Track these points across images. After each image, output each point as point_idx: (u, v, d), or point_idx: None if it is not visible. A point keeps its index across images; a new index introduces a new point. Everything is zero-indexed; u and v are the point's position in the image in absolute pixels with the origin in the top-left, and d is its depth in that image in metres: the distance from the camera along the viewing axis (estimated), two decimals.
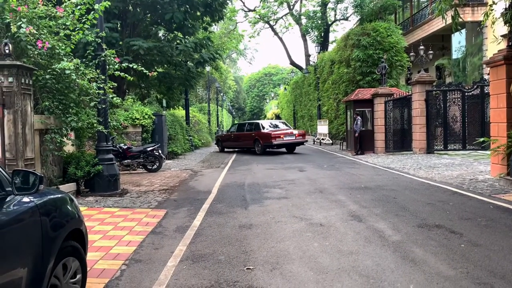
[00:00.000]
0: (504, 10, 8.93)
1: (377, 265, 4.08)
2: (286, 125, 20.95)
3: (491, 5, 9.44)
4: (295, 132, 19.24)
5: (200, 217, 6.43)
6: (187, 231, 5.61)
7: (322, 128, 24.92)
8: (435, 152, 14.93)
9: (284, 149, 19.28)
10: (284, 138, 18.15)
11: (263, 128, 19.03)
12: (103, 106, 8.62)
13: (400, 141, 16.53)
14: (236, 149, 21.33)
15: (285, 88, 53.45)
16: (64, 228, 3.03)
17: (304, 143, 19.75)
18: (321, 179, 10.13)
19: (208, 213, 6.68)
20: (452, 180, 9.19)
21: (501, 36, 11.43)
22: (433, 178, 9.59)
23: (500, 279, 3.67)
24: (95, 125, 8.24)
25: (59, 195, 3.30)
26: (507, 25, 8.90)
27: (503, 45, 10.39)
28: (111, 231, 5.68)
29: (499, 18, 9.26)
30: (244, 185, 9.64)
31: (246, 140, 19.74)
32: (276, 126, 19.79)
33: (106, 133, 8.70)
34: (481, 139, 10.40)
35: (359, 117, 16.98)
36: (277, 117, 50.40)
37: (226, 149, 22.07)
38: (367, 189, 8.48)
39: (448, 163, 12.21)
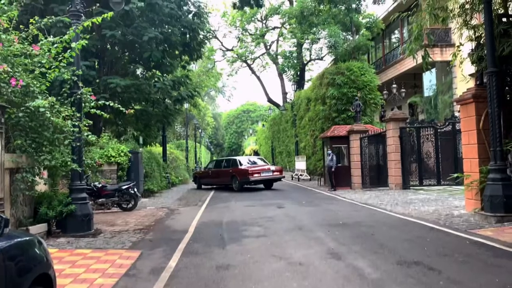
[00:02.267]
0: (470, 51, 9.35)
1: None
2: (264, 161, 21.05)
3: (458, 46, 9.88)
4: (272, 168, 19.34)
5: (176, 257, 6.24)
6: (162, 273, 5.42)
7: (300, 164, 25.07)
8: (411, 187, 15.11)
9: (262, 185, 19.22)
10: (262, 174, 18.16)
11: (241, 164, 19.01)
12: (78, 144, 8.45)
13: (376, 176, 16.69)
14: (214, 186, 21.14)
15: (263, 124, 53.91)
16: (30, 273, 2.89)
17: (282, 179, 19.78)
18: (300, 216, 10.07)
19: (184, 254, 6.50)
20: (428, 215, 9.26)
21: (469, 75, 11.90)
22: (410, 214, 9.65)
23: None
24: (69, 163, 8.04)
25: (26, 238, 3.15)
26: (474, 65, 9.31)
27: (472, 83, 10.81)
28: (83, 274, 5.44)
29: (466, 58, 9.68)
30: (222, 223, 9.49)
31: (224, 177, 19.64)
32: (253, 162, 19.85)
33: (80, 171, 8.50)
34: (455, 175, 10.60)
35: (331, 153, 17.11)
36: (256, 153, 50.55)
37: (203, 186, 21.80)
38: (345, 226, 8.46)
39: (424, 198, 12.35)
